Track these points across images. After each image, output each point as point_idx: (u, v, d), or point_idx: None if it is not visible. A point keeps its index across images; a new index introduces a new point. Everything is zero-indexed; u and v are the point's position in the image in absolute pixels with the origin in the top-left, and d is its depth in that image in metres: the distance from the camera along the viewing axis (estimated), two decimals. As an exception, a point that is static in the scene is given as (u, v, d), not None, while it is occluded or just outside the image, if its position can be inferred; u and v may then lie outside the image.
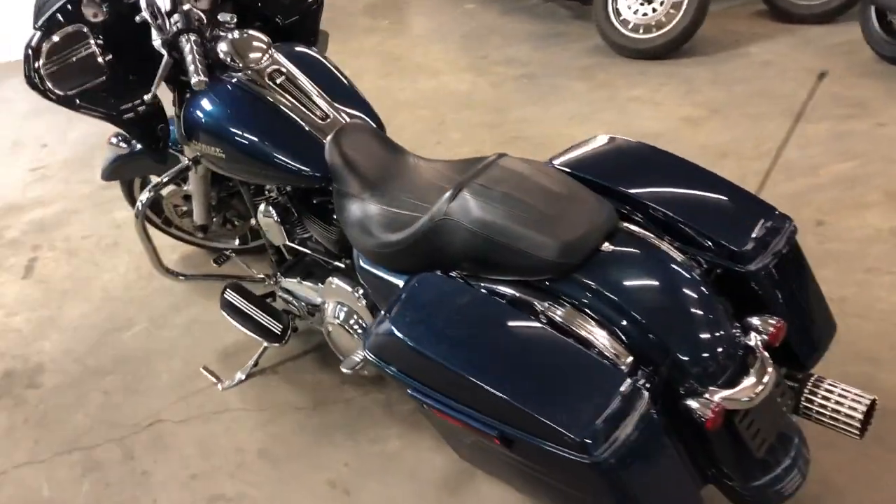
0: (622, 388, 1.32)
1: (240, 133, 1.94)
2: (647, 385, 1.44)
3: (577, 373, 1.36)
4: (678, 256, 1.54)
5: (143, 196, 2.25)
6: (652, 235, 1.58)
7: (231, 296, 2.33)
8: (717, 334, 1.47)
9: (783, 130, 3.39)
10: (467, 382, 1.38)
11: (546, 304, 1.50)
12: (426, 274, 1.61)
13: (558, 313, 1.49)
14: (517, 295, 1.54)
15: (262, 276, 2.43)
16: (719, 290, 1.58)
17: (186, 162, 2.21)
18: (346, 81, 2.10)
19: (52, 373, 2.51)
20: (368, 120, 2.05)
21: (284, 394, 2.30)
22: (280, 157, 1.91)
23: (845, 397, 1.60)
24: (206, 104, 1.99)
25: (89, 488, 2.08)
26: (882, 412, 2.01)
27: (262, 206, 2.15)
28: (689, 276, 1.51)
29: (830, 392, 1.61)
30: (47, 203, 3.55)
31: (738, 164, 3.17)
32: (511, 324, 1.45)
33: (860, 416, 1.56)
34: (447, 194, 1.61)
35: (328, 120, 1.96)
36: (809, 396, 1.62)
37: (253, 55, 1.97)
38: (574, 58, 4.47)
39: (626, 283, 1.48)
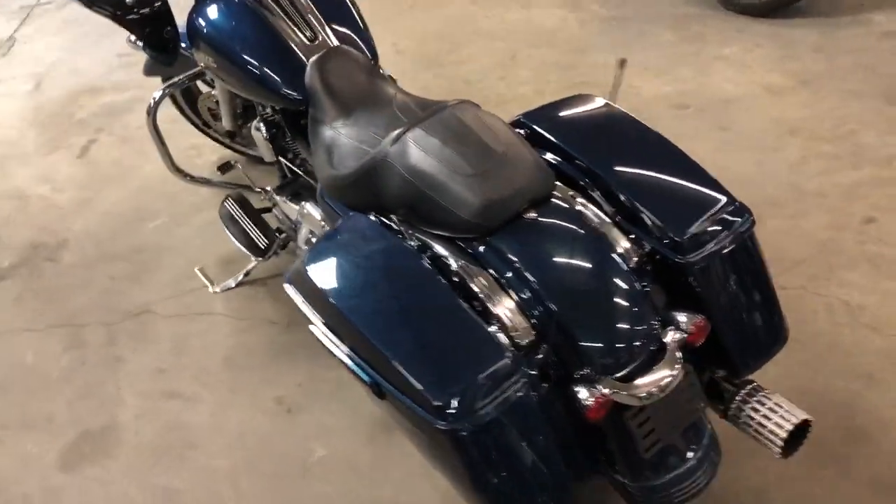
0: (500, 363, 1.26)
1: (229, 45, 1.94)
2: (543, 364, 1.38)
3: (460, 339, 1.31)
4: (610, 237, 1.45)
5: (156, 95, 2.31)
6: (590, 210, 1.48)
7: (230, 205, 2.38)
8: (626, 326, 1.37)
9: (873, 113, 3.07)
10: (353, 327, 1.37)
11: (461, 264, 1.44)
12: (357, 214, 1.59)
13: (470, 276, 1.43)
14: (439, 251, 1.49)
15: (259, 189, 2.46)
16: (656, 277, 1.48)
17: (199, 67, 2.24)
18: (348, 5, 2.05)
19: (72, 251, 2.68)
20: (362, 46, 2.00)
21: (265, 307, 2.35)
22: (262, 73, 1.91)
23: (775, 412, 1.48)
24: (205, 12, 2.00)
25: (67, 364, 2.24)
26: (855, 436, 1.86)
27: (254, 121, 2.17)
28: (610, 260, 1.41)
29: (761, 404, 1.50)
30: (122, 89, 3.71)
31: (804, 143, 2.90)
32: (414, 279, 1.40)
33: (784, 435, 1.45)
34: (394, 134, 1.57)
35: (316, 42, 1.93)
36: (740, 405, 1.52)
37: None
38: (674, 5, 4.17)
39: (538, 255, 1.40)
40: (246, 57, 1.92)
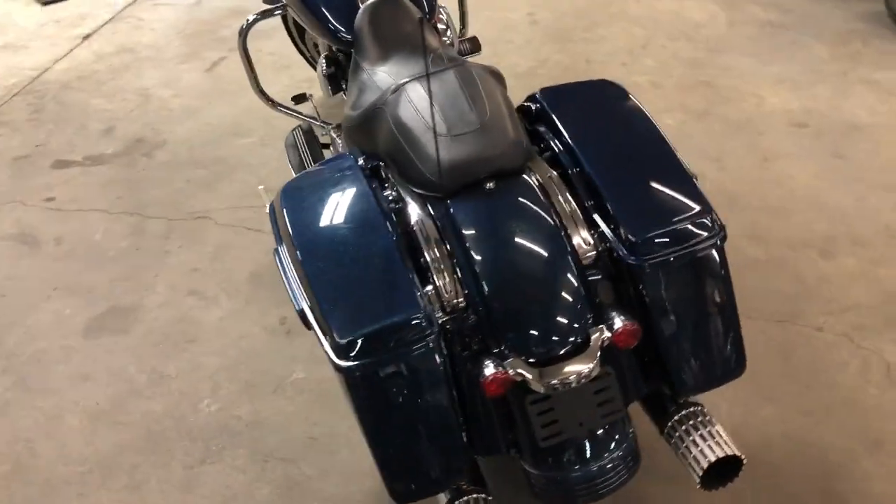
0: (411, 318, 1.27)
1: (297, -25, 2.04)
2: (466, 333, 1.38)
3: (383, 288, 1.33)
4: (570, 226, 1.41)
5: (249, 18, 2.45)
6: (562, 197, 1.45)
7: (297, 134, 2.50)
8: (549, 314, 1.35)
9: None
10: (296, 255, 1.43)
11: (418, 220, 1.46)
12: (345, 155, 1.64)
13: (423, 234, 1.44)
14: (409, 204, 1.51)
15: (321, 123, 2.56)
16: (612, 275, 1.43)
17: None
18: None
19: (166, 151, 2.93)
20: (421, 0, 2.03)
21: (306, 235, 2.47)
22: (318, 10, 2.00)
23: (705, 440, 1.41)
24: (285, -55, 2.10)
25: (125, 246, 2.47)
26: (831, 500, 1.70)
27: (320, 57, 2.26)
28: (553, 247, 1.38)
29: (695, 429, 1.43)
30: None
31: (921, 187, 2.62)
32: (365, 224, 1.42)
33: (704, 464, 1.38)
34: (396, 83, 1.60)
35: None
36: (675, 424, 1.46)
37: None
38: (844, 19, 3.83)
39: (484, 227, 1.40)
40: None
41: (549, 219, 1.41)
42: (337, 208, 1.48)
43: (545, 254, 1.38)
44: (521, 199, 1.44)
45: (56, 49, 3.66)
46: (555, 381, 1.30)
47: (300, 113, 2.69)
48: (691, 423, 1.44)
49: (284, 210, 1.50)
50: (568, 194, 1.46)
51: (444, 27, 2.26)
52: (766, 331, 2.09)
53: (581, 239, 1.42)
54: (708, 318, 1.43)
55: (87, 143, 2.98)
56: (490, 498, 1.42)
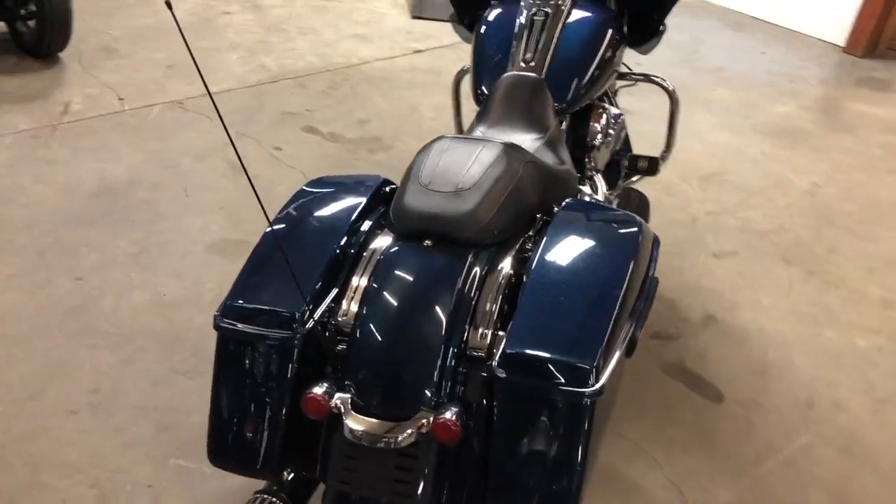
0: (283, 313, 1.42)
1: (479, 32, 2.23)
2: (338, 356, 1.47)
3: (288, 284, 1.47)
4: (476, 318, 1.43)
5: (465, 66, 2.69)
6: (495, 288, 1.47)
7: None
8: (397, 375, 1.38)
9: None
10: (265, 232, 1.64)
11: (371, 250, 1.58)
12: (376, 175, 1.80)
13: (364, 262, 1.55)
14: (384, 232, 1.63)
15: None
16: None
17: None
18: (586, 58, 2.13)
19: (387, 154, 3.31)
20: (566, 91, 2.08)
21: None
22: (477, 67, 2.18)
23: None
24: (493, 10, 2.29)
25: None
26: None
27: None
28: (440, 323, 1.39)
29: None
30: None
31: None
32: (328, 230, 1.58)
33: None
34: (440, 136, 1.74)
35: (528, 65, 2.09)
36: None
37: None
38: None
39: (396, 274, 1.46)
40: (478, 40, 2.20)
41: (453, 296, 1.42)
42: (324, 211, 1.66)
43: (427, 325, 1.40)
44: (444, 268, 1.46)
45: (388, 51, 4.27)
46: (359, 430, 1.33)
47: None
48: None
49: (291, 196, 1.72)
50: (500, 292, 1.46)
51: (597, 127, 2.26)
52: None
53: (479, 333, 1.41)
54: (544, 468, 1.33)
55: (341, 124, 3.47)
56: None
